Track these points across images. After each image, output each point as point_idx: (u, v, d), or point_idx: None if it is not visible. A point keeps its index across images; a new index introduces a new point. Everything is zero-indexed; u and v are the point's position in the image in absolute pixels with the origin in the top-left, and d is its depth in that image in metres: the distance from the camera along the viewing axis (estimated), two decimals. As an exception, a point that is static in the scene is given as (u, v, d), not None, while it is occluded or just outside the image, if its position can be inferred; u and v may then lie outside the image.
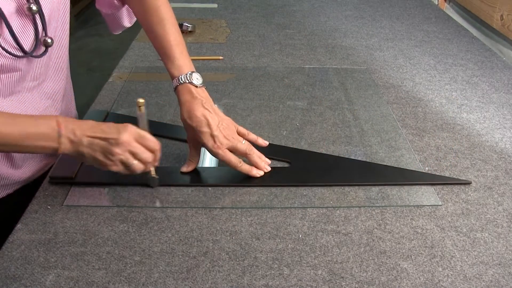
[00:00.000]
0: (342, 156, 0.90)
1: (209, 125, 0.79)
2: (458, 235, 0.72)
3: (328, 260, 0.67)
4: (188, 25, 1.48)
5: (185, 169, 0.83)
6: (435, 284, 0.64)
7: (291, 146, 0.93)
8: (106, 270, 0.65)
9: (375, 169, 0.86)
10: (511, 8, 1.36)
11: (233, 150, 0.81)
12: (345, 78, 1.22)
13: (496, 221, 0.75)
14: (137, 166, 0.71)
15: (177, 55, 0.84)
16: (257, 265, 0.66)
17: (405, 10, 1.75)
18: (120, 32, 1.06)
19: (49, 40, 0.79)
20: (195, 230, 0.72)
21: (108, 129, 0.69)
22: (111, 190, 0.80)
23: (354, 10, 1.74)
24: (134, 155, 0.70)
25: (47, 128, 0.68)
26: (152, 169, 0.78)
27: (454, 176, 0.85)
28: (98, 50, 3.56)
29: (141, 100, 0.73)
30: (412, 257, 0.68)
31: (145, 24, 0.88)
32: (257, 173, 0.82)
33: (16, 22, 0.73)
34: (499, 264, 0.67)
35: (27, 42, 0.76)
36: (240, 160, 0.81)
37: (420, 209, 0.77)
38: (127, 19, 1.03)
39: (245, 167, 0.81)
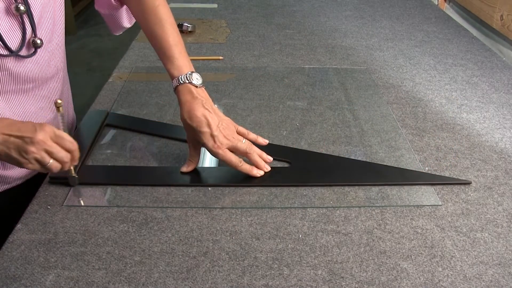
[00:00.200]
0: (342, 156, 0.90)
1: (209, 125, 0.79)
2: (458, 235, 0.72)
3: (328, 260, 0.67)
4: (188, 25, 1.48)
5: (185, 169, 0.83)
6: (435, 284, 0.64)
7: (291, 146, 0.93)
8: (106, 270, 0.65)
9: (375, 169, 0.86)
10: (511, 8, 1.36)
11: (233, 150, 0.81)
12: (345, 78, 1.22)
13: (496, 221, 0.75)
14: (53, 165, 0.70)
15: (176, 55, 0.84)
16: (257, 265, 0.66)
17: (405, 10, 1.75)
18: (121, 32, 1.06)
19: (38, 41, 0.79)
20: (195, 230, 0.72)
21: (25, 127, 0.68)
22: (111, 190, 0.80)
23: (354, 10, 1.74)
24: (50, 154, 0.69)
25: None
26: (72, 168, 0.77)
27: (454, 176, 0.85)
28: (98, 50, 3.56)
29: (59, 101, 0.73)
30: (412, 257, 0.68)
31: (144, 24, 0.88)
32: (258, 172, 0.82)
33: (3, 21, 0.73)
34: (499, 264, 0.67)
35: (14, 41, 0.76)
36: (241, 159, 0.81)
37: (420, 209, 0.77)
38: (126, 20, 1.03)
39: (245, 167, 0.81)
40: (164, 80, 1.18)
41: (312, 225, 0.73)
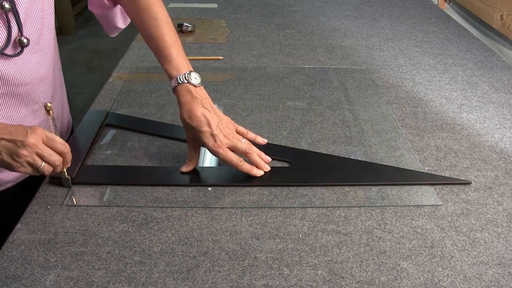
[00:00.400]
0: (342, 156, 0.90)
1: (209, 124, 0.79)
2: (458, 235, 0.72)
3: (328, 260, 0.67)
4: (188, 25, 1.48)
5: (185, 169, 0.83)
6: (435, 284, 0.64)
7: (291, 146, 0.93)
8: (106, 270, 0.65)
9: (375, 169, 0.86)
10: (511, 8, 1.36)
11: (233, 149, 0.81)
12: (345, 78, 1.22)
13: (496, 221, 0.75)
14: (45, 168, 0.70)
15: (174, 55, 0.83)
16: (257, 265, 0.66)
17: (405, 10, 1.75)
18: (116, 34, 1.06)
19: (24, 40, 0.79)
20: (195, 230, 0.72)
21: (16, 131, 0.68)
22: (111, 190, 0.80)
23: (354, 10, 1.74)
24: (42, 157, 0.69)
25: None
26: (65, 171, 0.77)
27: (454, 176, 0.85)
28: (98, 50, 3.56)
29: (49, 104, 0.73)
30: (412, 257, 0.68)
31: (139, 24, 0.88)
32: (258, 172, 0.82)
33: None
34: (499, 264, 0.67)
35: None
36: (241, 159, 0.81)
37: (420, 209, 0.77)
38: (121, 20, 1.02)
39: (246, 166, 0.81)
40: (164, 80, 1.18)
41: (312, 225, 0.73)
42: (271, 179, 0.82)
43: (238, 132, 0.83)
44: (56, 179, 0.80)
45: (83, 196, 0.78)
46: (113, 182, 0.81)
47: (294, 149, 0.92)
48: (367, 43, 1.44)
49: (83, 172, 0.83)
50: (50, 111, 0.74)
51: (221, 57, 1.32)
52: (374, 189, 0.81)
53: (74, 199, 0.78)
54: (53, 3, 0.88)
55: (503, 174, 0.86)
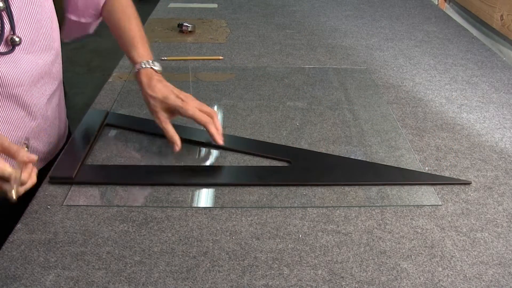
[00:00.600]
0: (342, 156, 0.90)
1: (173, 91, 0.85)
2: (458, 235, 0.72)
3: (328, 260, 0.67)
4: (188, 25, 1.48)
5: (177, 148, 0.85)
6: (435, 284, 0.64)
7: (291, 145, 0.93)
8: (106, 270, 0.65)
9: (375, 169, 0.86)
10: (511, 8, 1.36)
11: (200, 110, 0.85)
12: (345, 78, 1.22)
13: (496, 221, 0.75)
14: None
15: (140, 45, 0.91)
16: (257, 265, 0.66)
17: (405, 10, 1.75)
18: (71, 40, 1.07)
19: (16, 39, 0.79)
20: (195, 230, 0.72)
21: None
22: (111, 190, 0.80)
23: (354, 10, 1.74)
24: None
25: None
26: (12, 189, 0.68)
27: (454, 176, 0.85)
28: (98, 50, 3.56)
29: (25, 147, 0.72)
30: (412, 257, 0.68)
31: (112, 20, 0.94)
32: (220, 139, 0.84)
33: None
34: (499, 264, 0.67)
35: None
36: (210, 119, 0.84)
37: (420, 209, 0.77)
38: (94, 27, 1.06)
39: (213, 128, 0.84)
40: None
41: (312, 225, 0.73)
42: (271, 178, 0.83)
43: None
44: (56, 179, 0.80)
45: (83, 196, 0.78)
46: (113, 182, 0.81)
47: (294, 149, 0.92)
48: (367, 43, 1.44)
49: (83, 172, 0.83)
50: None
51: (221, 57, 1.32)
52: (374, 189, 0.81)
53: (74, 199, 0.77)
54: (53, 7, 0.89)
55: (503, 174, 0.86)
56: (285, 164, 0.87)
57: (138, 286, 0.63)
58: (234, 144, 0.92)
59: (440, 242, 0.71)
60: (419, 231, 0.73)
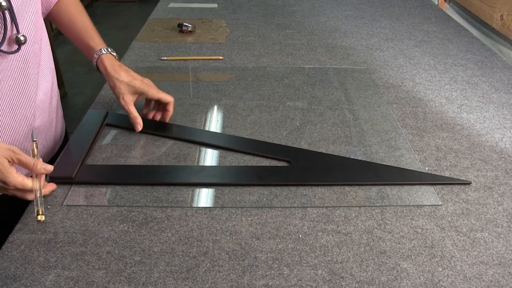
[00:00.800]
0: (342, 156, 0.90)
1: (136, 77, 0.94)
2: (458, 235, 0.72)
3: (328, 260, 0.67)
4: (188, 25, 1.48)
5: (140, 127, 0.93)
6: (435, 284, 0.64)
7: (291, 145, 0.93)
8: (106, 270, 0.65)
9: (375, 169, 0.86)
10: (511, 8, 1.36)
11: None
12: (345, 78, 1.22)
13: (496, 221, 0.75)
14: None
15: (96, 36, 0.98)
16: (257, 265, 0.66)
17: (405, 10, 1.75)
18: None
19: (21, 38, 0.80)
20: (195, 230, 0.72)
21: None
22: (111, 190, 0.80)
23: (354, 10, 1.74)
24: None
25: None
26: (38, 209, 0.73)
27: (454, 176, 0.85)
28: (98, 50, 3.55)
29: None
30: (412, 257, 0.68)
31: (66, 16, 0.98)
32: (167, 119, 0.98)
33: None
34: (499, 264, 0.67)
35: None
36: (173, 99, 0.97)
37: (420, 209, 0.77)
38: None
39: (172, 108, 0.97)
40: (164, 80, 1.19)
41: (312, 225, 0.73)
42: (271, 178, 0.83)
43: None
44: (56, 179, 0.80)
45: (83, 196, 0.78)
46: (113, 182, 0.81)
47: (294, 149, 0.92)
48: (367, 43, 1.44)
49: (83, 172, 0.83)
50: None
51: (221, 57, 1.32)
52: (374, 189, 0.81)
53: (74, 199, 0.77)
54: (40, 4, 0.90)
55: (503, 174, 0.86)
56: (285, 164, 0.87)
57: (138, 286, 0.63)
58: (234, 144, 0.92)
59: (440, 242, 0.71)
60: (419, 231, 0.73)
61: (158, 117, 0.99)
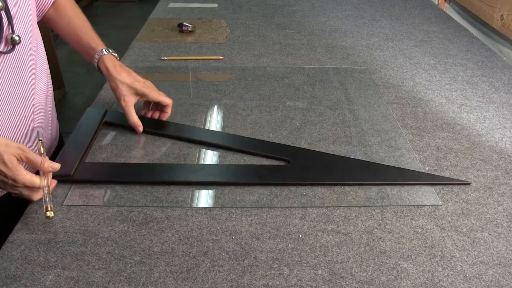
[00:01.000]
0: (342, 155, 0.90)
1: (138, 78, 0.94)
2: (458, 235, 0.72)
3: (328, 260, 0.67)
4: (188, 25, 1.48)
5: (141, 129, 0.93)
6: (435, 284, 0.64)
7: (291, 145, 0.93)
8: (106, 270, 0.65)
9: (375, 168, 0.86)
10: (511, 8, 1.36)
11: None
12: (345, 78, 1.22)
13: (496, 221, 0.75)
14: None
15: (95, 37, 0.98)
16: (257, 265, 0.66)
17: (405, 10, 1.75)
18: None
19: (16, 38, 0.80)
20: (195, 230, 0.72)
21: None
22: (111, 190, 0.80)
23: (354, 10, 1.74)
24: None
25: None
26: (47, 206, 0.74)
27: (454, 176, 0.85)
28: (98, 50, 3.55)
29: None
30: (412, 257, 0.68)
31: (65, 18, 0.98)
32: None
33: None
34: (499, 264, 0.67)
35: None
36: (171, 102, 0.99)
37: (420, 209, 0.77)
38: None
39: (170, 110, 0.99)
40: (164, 80, 1.19)
41: (312, 225, 0.73)
42: (271, 177, 0.82)
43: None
44: (55, 177, 0.80)
45: (83, 196, 0.78)
46: (112, 181, 0.81)
47: (294, 148, 0.92)
48: (367, 43, 1.44)
49: (82, 170, 0.83)
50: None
51: (221, 57, 1.32)
52: (374, 189, 0.81)
53: (74, 198, 0.77)
54: (34, 4, 0.90)
55: (503, 174, 0.86)
56: (284, 163, 0.87)
57: (138, 286, 0.63)
58: (233, 143, 0.92)
59: (440, 242, 0.71)
60: (419, 231, 0.73)
61: (156, 117, 0.99)
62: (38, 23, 0.94)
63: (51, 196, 0.73)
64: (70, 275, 0.64)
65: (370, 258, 0.68)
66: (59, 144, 1.05)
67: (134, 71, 0.97)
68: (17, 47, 0.81)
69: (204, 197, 0.79)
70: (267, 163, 0.87)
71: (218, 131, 0.97)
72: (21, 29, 0.82)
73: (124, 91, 0.92)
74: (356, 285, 0.63)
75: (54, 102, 1.03)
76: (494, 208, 0.78)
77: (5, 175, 0.70)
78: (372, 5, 1.80)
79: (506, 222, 0.75)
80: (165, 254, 0.68)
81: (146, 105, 1.01)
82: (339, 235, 0.72)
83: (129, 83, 0.93)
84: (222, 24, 1.58)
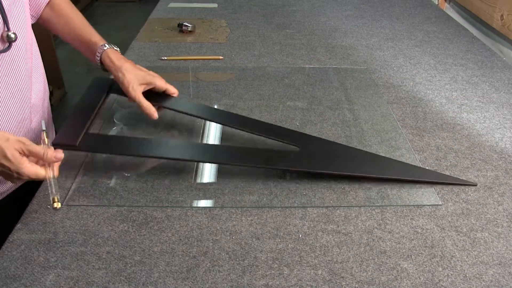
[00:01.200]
0: (351, 146, 0.90)
1: (143, 69, 0.95)
2: (458, 235, 0.72)
3: (328, 260, 0.67)
4: (188, 25, 1.48)
5: (156, 115, 0.89)
6: (435, 284, 0.64)
7: (302, 132, 0.92)
8: (106, 270, 0.65)
9: (382, 162, 0.86)
10: (511, 8, 1.36)
11: None
12: (345, 78, 1.22)
13: (496, 221, 0.75)
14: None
15: (95, 33, 0.98)
16: (257, 265, 0.66)
17: (405, 10, 1.75)
18: None
19: (12, 35, 0.80)
20: (195, 230, 0.72)
21: None
22: (111, 190, 0.80)
23: (354, 10, 1.74)
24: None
25: None
26: (53, 198, 0.74)
27: (454, 176, 0.85)
28: (98, 50, 3.55)
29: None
30: (412, 257, 0.68)
31: (63, 17, 0.98)
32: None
33: None
34: (499, 264, 0.67)
35: None
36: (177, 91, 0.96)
37: (420, 209, 0.77)
38: None
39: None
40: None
41: (312, 225, 0.73)
42: (278, 162, 0.82)
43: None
44: (59, 146, 0.81)
45: (83, 196, 0.78)
46: (116, 152, 0.82)
47: (304, 134, 0.91)
48: (367, 43, 1.44)
49: (86, 140, 0.82)
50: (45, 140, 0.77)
51: (221, 57, 1.32)
52: (374, 189, 0.81)
53: (74, 198, 0.77)
54: (28, 5, 0.90)
55: (503, 174, 0.86)
56: (294, 148, 0.87)
57: (138, 286, 0.63)
58: (242, 124, 0.91)
59: (440, 242, 0.71)
60: (419, 231, 0.73)
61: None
62: (36, 25, 0.94)
63: (58, 187, 0.73)
64: (70, 275, 0.64)
65: (370, 258, 0.68)
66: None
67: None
68: (13, 46, 0.81)
69: (204, 197, 0.79)
70: (276, 147, 0.87)
71: (227, 112, 0.97)
72: (17, 28, 0.82)
73: (132, 80, 0.92)
74: (356, 285, 0.63)
75: (50, 104, 1.04)
76: (494, 208, 0.78)
77: (9, 169, 0.69)
78: (372, 5, 1.80)
79: (506, 222, 0.75)
80: (165, 254, 0.68)
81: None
82: (339, 235, 0.72)
83: (135, 72, 0.93)
84: (222, 24, 1.58)
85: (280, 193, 0.80)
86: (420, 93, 1.14)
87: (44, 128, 0.79)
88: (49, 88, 1.03)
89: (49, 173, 0.73)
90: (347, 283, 0.64)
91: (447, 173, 0.86)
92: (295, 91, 1.15)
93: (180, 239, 0.70)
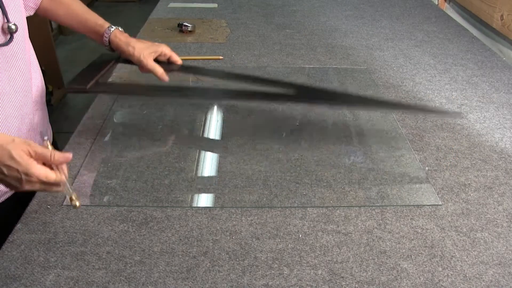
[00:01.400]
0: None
1: (147, 41, 1.01)
2: (458, 235, 0.72)
3: (328, 260, 0.67)
4: (188, 25, 1.48)
5: (167, 77, 0.96)
6: (435, 284, 0.64)
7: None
8: (106, 270, 0.65)
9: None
10: (511, 8, 1.36)
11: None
12: (345, 78, 1.21)
13: (496, 221, 0.75)
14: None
15: (98, 17, 1.02)
16: (257, 265, 0.66)
17: (405, 10, 1.75)
18: None
19: (13, 26, 0.79)
20: (195, 230, 0.72)
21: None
22: (111, 190, 0.80)
23: (354, 10, 1.74)
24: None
25: None
26: (71, 197, 0.71)
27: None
28: (98, 50, 3.56)
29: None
30: (412, 257, 0.68)
31: (64, 6, 1.01)
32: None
33: None
34: (499, 264, 0.67)
35: None
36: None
37: (420, 209, 0.77)
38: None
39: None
40: (164, 80, 1.18)
41: (312, 225, 0.73)
42: (277, 97, 0.93)
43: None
44: (72, 89, 0.83)
45: (83, 196, 0.78)
46: (124, 93, 0.92)
47: (298, 84, 1.02)
48: (367, 43, 1.44)
49: (96, 85, 0.90)
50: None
51: (221, 57, 1.32)
52: (374, 189, 0.81)
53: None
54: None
55: (503, 174, 0.86)
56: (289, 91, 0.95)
57: (138, 286, 0.63)
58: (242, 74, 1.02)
59: (440, 242, 0.71)
60: (419, 231, 0.73)
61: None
62: (35, 24, 0.94)
63: (72, 186, 0.73)
64: (70, 275, 0.64)
65: (370, 258, 0.68)
66: (53, 143, 1.04)
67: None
68: (14, 38, 0.81)
69: (204, 197, 0.79)
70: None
71: (224, 71, 1.12)
72: (15, 20, 0.81)
73: (142, 49, 0.98)
74: (356, 285, 0.63)
75: (47, 111, 1.04)
76: (494, 208, 0.78)
77: (17, 171, 0.67)
78: (372, 5, 1.80)
79: (506, 222, 0.75)
80: (165, 254, 0.68)
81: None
82: (339, 235, 0.72)
83: (143, 44, 0.99)
84: (222, 24, 1.58)
85: (280, 193, 0.80)
86: (420, 93, 1.14)
87: (45, 137, 0.78)
88: (49, 88, 1.03)
89: (60, 175, 0.69)
90: (347, 283, 0.64)
91: (447, 173, 0.86)
92: (295, 91, 1.14)
93: (180, 239, 0.70)
